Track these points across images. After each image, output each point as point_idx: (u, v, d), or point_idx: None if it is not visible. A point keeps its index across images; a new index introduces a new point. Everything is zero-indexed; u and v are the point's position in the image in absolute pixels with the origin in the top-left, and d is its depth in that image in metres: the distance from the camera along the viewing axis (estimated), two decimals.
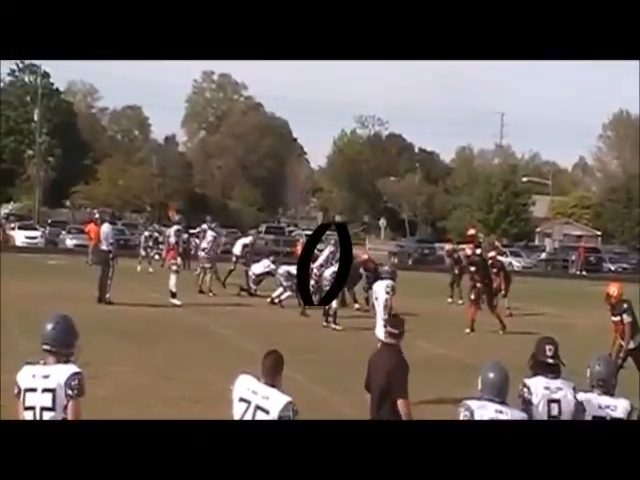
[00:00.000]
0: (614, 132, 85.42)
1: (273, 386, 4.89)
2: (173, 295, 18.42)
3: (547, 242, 59.21)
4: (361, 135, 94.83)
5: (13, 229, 43.58)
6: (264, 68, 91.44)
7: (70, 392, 4.64)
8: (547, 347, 5.57)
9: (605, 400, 5.35)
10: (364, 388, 7.02)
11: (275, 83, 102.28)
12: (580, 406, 5.40)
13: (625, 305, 11.38)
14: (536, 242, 61.89)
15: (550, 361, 5.52)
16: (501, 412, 4.85)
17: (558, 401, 5.37)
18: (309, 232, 56.07)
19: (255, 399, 4.80)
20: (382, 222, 73.65)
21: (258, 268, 21.34)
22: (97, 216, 45.43)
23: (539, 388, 5.39)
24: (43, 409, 4.62)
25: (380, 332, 10.50)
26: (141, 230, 38.70)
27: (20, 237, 41.76)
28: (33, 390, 4.66)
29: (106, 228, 18.77)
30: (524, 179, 64.39)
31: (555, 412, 5.36)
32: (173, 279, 18.45)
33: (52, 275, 24.71)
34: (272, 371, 4.95)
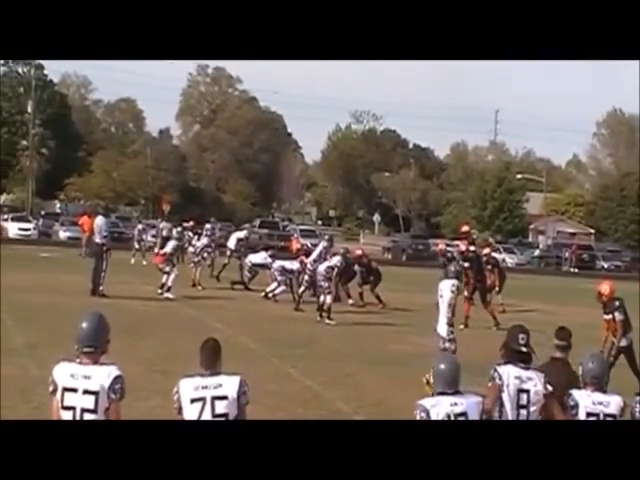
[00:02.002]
0: (608, 130, 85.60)
1: (218, 373, 4.93)
2: (168, 289, 18.39)
3: (540, 239, 59.36)
4: (356, 130, 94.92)
5: (6, 221, 43.47)
6: (259, 62, 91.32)
7: (113, 396, 4.64)
8: (520, 335, 5.62)
9: (598, 397, 5.39)
10: None
11: (270, 77, 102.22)
12: (548, 398, 5.44)
13: (617, 303, 11.42)
14: (529, 239, 62.05)
15: (522, 349, 5.57)
16: (456, 404, 4.87)
17: (527, 391, 5.43)
18: (303, 227, 56.37)
19: (209, 393, 4.82)
20: (376, 217, 73.71)
21: (255, 258, 21.40)
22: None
23: (510, 377, 5.44)
24: (84, 411, 4.60)
25: (442, 330, 10.68)
26: (135, 223, 38.71)
27: (13, 229, 41.68)
28: (73, 390, 4.62)
29: (100, 221, 18.70)
30: (518, 176, 64.49)
31: (524, 402, 5.42)
32: (172, 276, 18.41)
33: (45, 267, 24.66)
34: (213, 358, 5.00)
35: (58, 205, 60.19)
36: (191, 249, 22.78)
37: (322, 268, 16.86)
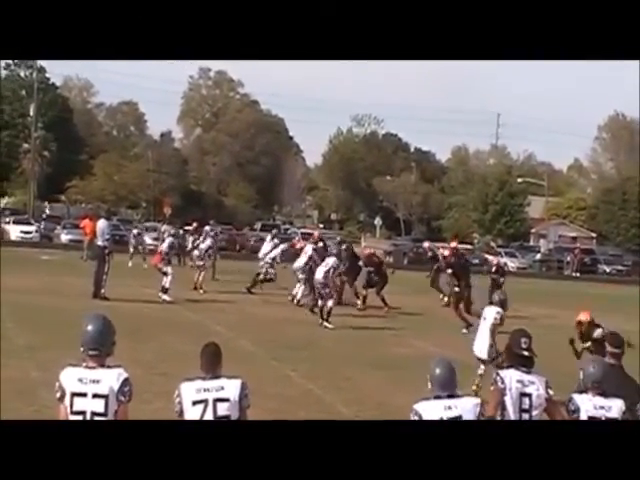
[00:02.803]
0: (609, 134, 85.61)
1: (218, 377, 4.94)
2: (165, 291, 18.36)
3: (542, 243, 59.35)
4: (357, 134, 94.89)
5: (8, 223, 43.49)
6: (260, 65, 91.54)
7: (122, 398, 4.65)
8: (522, 339, 5.64)
9: (599, 401, 5.39)
10: None
11: (271, 81, 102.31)
12: (550, 402, 5.45)
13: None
14: (531, 243, 62.04)
15: (525, 353, 5.59)
16: (449, 407, 4.87)
17: (529, 395, 5.44)
18: (304, 230, 56.35)
19: (210, 395, 4.83)
20: (377, 221, 73.68)
21: (267, 250, 21.27)
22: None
23: (512, 381, 5.46)
24: (94, 414, 4.60)
25: (478, 351, 10.66)
26: (137, 226, 38.76)
27: (15, 232, 41.70)
28: (82, 395, 4.61)
29: (102, 224, 18.73)
30: (519, 180, 64.50)
31: (526, 406, 5.43)
32: (169, 278, 18.42)
33: (47, 270, 24.67)
34: (213, 362, 5.01)
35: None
36: (196, 252, 22.53)
37: (319, 275, 16.68)
